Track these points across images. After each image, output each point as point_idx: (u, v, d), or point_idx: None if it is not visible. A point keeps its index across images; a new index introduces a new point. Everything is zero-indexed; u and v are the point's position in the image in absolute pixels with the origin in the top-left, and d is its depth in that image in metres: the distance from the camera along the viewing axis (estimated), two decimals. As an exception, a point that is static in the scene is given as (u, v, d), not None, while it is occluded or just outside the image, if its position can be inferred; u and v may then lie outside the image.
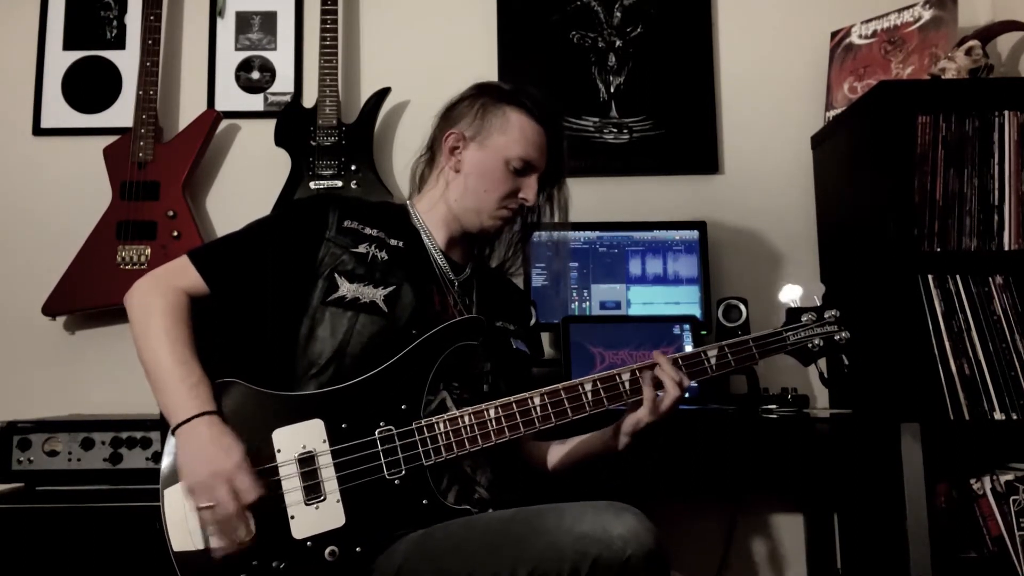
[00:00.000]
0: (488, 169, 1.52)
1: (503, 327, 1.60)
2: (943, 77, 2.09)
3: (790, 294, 1.54)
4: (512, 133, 1.52)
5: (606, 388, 1.41)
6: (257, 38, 2.53)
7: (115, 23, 2.52)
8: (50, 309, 2.29)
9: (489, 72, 2.47)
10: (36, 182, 2.47)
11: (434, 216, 1.57)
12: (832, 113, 2.41)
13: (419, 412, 1.36)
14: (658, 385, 1.42)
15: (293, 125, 2.37)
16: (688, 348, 2.06)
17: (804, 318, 1.51)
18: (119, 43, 2.51)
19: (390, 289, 1.44)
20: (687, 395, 2.03)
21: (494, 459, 1.45)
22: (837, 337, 1.50)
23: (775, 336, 1.50)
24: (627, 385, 1.42)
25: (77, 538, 1.77)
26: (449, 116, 1.59)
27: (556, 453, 1.59)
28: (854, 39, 2.44)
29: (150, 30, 2.38)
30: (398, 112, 2.50)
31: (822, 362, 1.53)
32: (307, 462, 1.30)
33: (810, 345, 1.50)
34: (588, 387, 1.41)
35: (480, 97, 1.57)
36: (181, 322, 1.35)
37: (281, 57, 2.53)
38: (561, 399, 1.39)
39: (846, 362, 1.52)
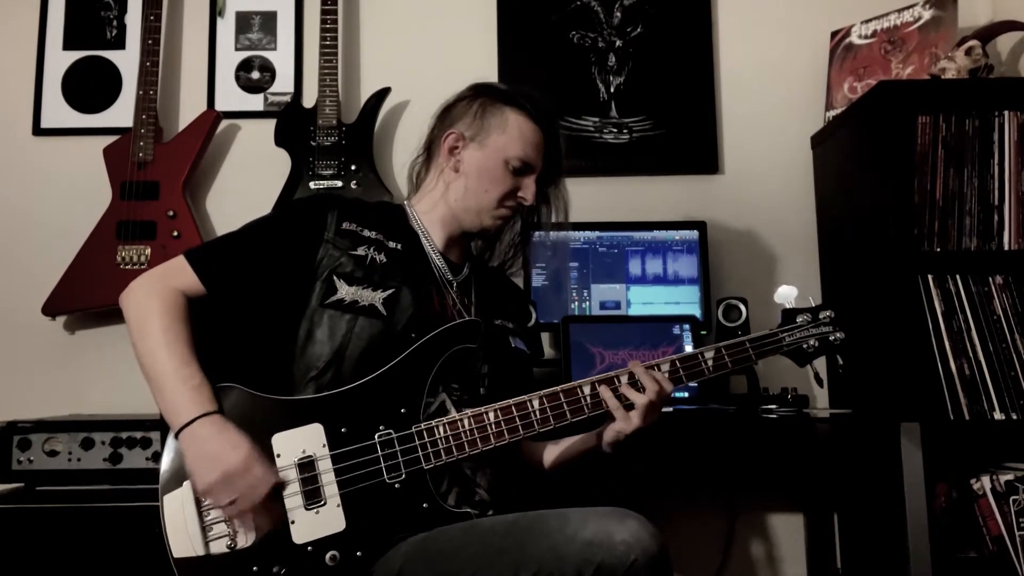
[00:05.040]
0: (488, 168, 1.53)
1: (502, 325, 1.60)
2: (943, 77, 2.09)
3: (785, 295, 1.54)
4: (511, 133, 1.53)
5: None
6: (257, 38, 2.53)
7: (115, 23, 2.52)
8: (50, 309, 2.29)
9: (489, 72, 2.47)
10: (36, 182, 2.46)
11: (433, 217, 1.57)
12: (832, 113, 2.40)
13: (418, 415, 1.37)
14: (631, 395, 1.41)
15: (293, 125, 2.37)
16: (688, 348, 2.06)
17: (799, 319, 1.51)
18: (119, 43, 2.51)
19: (389, 292, 1.44)
20: (688, 395, 2.05)
21: (494, 461, 1.45)
22: (832, 338, 1.50)
23: (771, 337, 1.50)
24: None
25: (77, 538, 1.78)
26: (447, 117, 1.60)
27: (551, 452, 1.60)
28: (854, 39, 2.44)
29: (150, 30, 2.38)
30: (398, 112, 2.50)
31: (818, 365, 1.53)
32: (307, 467, 1.30)
33: (805, 346, 1.50)
34: (587, 390, 1.41)
35: (478, 97, 1.58)
36: (179, 323, 1.34)
37: (281, 57, 2.52)
38: (560, 402, 1.40)
39: (841, 362, 1.52)
